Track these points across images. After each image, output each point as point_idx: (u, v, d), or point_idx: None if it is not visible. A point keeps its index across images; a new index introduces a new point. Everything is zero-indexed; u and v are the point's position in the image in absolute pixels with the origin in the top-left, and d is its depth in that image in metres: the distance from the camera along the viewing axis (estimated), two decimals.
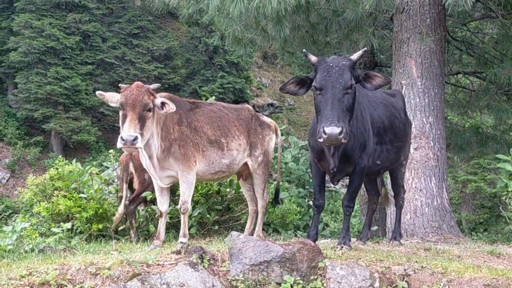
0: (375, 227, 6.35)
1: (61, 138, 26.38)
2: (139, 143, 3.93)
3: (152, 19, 29.71)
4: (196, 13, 8.18)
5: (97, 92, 4.31)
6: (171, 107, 4.22)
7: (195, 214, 5.58)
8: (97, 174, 6.08)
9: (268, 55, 34.58)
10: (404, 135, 5.01)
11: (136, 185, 5.56)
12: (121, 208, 5.36)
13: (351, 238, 4.84)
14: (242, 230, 5.63)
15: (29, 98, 25.30)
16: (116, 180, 7.17)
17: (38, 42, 25.23)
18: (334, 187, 6.72)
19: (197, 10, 7.89)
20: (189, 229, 5.19)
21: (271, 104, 32.21)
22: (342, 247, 4.30)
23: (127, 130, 3.92)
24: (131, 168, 5.54)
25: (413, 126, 6.64)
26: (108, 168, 7.74)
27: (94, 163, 21.58)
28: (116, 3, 30.30)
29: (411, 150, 6.53)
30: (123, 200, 5.42)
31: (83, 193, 5.75)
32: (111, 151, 7.60)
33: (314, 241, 4.39)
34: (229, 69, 29.56)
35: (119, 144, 3.93)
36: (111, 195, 6.34)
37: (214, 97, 7.17)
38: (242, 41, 7.68)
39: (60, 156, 6.38)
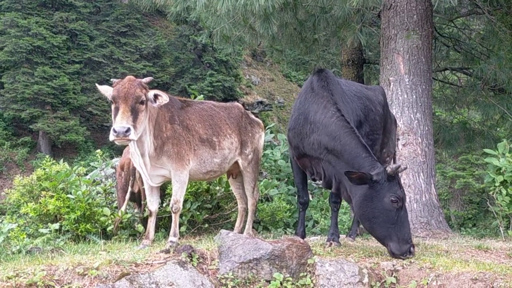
0: None
1: (49, 138, 26.16)
2: (132, 135, 3.88)
3: (140, 17, 29.56)
4: (184, 11, 8.14)
5: (96, 85, 4.30)
6: (164, 98, 4.20)
7: (186, 212, 5.56)
8: (83, 179, 6.00)
9: (257, 53, 34.57)
10: (381, 129, 5.02)
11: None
12: (122, 211, 5.32)
13: (341, 235, 4.86)
14: (232, 228, 5.62)
15: (16, 98, 25.06)
16: (104, 180, 7.13)
17: (24, 41, 24.99)
18: (316, 183, 6.73)
19: (185, 8, 7.85)
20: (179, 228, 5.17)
21: (261, 102, 32.22)
22: (331, 243, 4.32)
23: (120, 121, 3.89)
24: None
25: (400, 122, 6.67)
26: (96, 168, 7.68)
27: (83, 163, 21.43)
28: (103, 1, 30.11)
29: (399, 146, 6.56)
30: (124, 204, 5.38)
31: (70, 193, 5.70)
32: (98, 151, 7.53)
33: (303, 238, 4.40)
34: (218, 67, 29.52)
35: (112, 137, 3.88)
36: (99, 195, 6.29)
37: (202, 96, 7.14)
38: (230, 39, 7.65)
39: (48, 156, 6.32)
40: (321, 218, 7.15)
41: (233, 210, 6.02)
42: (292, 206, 6.53)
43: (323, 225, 7.09)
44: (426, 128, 6.74)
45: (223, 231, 3.94)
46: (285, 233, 5.89)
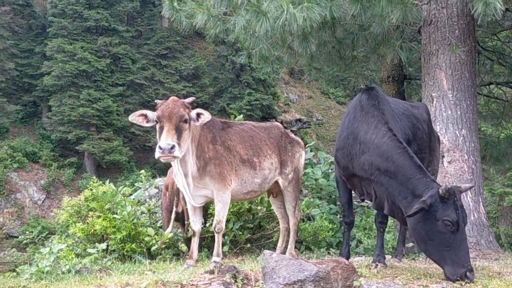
0: (410, 244, 6.21)
1: (94, 159, 26.97)
2: (177, 152, 3.98)
3: (179, 40, 30.29)
4: (223, 33, 8.30)
5: (129, 118, 4.42)
6: (206, 116, 4.29)
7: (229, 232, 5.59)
8: (128, 199, 6.15)
9: (294, 70, 34.67)
10: (428, 147, 4.91)
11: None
12: (168, 231, 5.42)
13: (386, 255, 4.75)
14: (274, 248, 5.60)
15: (63, 120, 26.03)
16: (148, 200, 7.28)
17: (70, 65, 26.02)
18: (366, 202, 6.62)
19: (224, 30, 8.00)
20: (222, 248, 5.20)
21: (299, 120, 32.16)
22: (377, 265, 4.22)
23: (165, 139, 3.99)
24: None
25: (445, 139, 6.51)
26: (140, 188, 7.85)
27: (127, 182, 21.94)
28: (144, 25, 31.06)
29: (445, 164, 6.39)
30: (170, 224, 5.49)
31: (116, 213, 5.85)
32: (142, 171, 7.73)
33: (347, 259, 4.33)
34: (256, 86, 29.74)
35: (157, 154, 3.98)
36: (143, 215, 6.42)
37: (242, 116, 7.21)
38: (269, 59, 7.72)
39: (95, 178, 6.52)
40: (364, 237, 7.02)
41: (275, 229, 6.00)
42: (335, 226, 6.44)
43: (366, 245, 6.95)
44: (472, 145, 6.55)
45: (266, 251, 3.93)
46: (328, 253, 5.81)
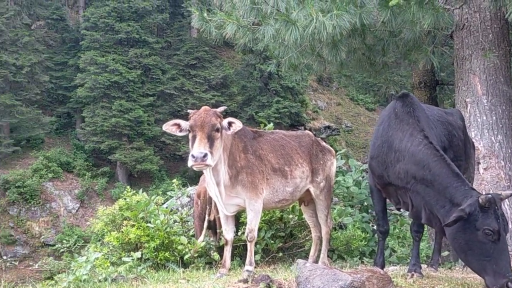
0: (446, 253, 6.07)
1: (126, 168, 27.45)
2: (209, 160, 4.03)
3: (208, 50, 30.62)
4: (252, 42, 8.36)
5: (163, 128, 4.51)
6: (237, 124, 4.34)
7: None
8: (161, 208, 6.23)
9: (323, 77, 34.54)
10: (463, 155, 4.81)
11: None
12: (200, 239, 5.47)
13: (421, 265, 4.66)
14: (306, 257, 5.57)
15: (96, 131, 26.64)
16: (180, 209, 7.36)
17: (102, 77, 26.64)
18: (401, 212, 6.52)
19: (253, 39, 8.06)
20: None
21: (328, 127, 31.97)
22: (413, 274, 4.15)
23: (197, 147, 4.05)
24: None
25: (480, 145, 6.36)
26: (172, 197, 7.95)
27: (158, 191, 22.23)
28: (174, 36, 31.55)
29: (480, 171, 6.24)
30: (203, 232, 5.54)
31: (150, 222, 5.93)
32: (174, 180, 7.83)
33: (382, 268, 4.27)
34: (285, 94, 29.76)
35: (190, 162, 4.04)
36: (176, 223, 6.49)
37: (272, 125, 7.23)
38: (298, 67, 7.73)
39: (129, 187, 6.63)
40: (398, 246, 6.90)
41: (307, 238, 5.98)
42: (367, 234, 6.36)
43: (400, 254, 6.83)
44: (509, 151, 6.37)
45: (299, 261, 3.91)
46: (362, 262, 5.74)
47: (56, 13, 30.76)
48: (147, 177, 28.16)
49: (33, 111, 26.75)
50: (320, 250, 5.34)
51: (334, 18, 5.95)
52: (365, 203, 7.11)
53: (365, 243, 6.26)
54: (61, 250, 8.09)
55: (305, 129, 28.97)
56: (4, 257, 22.48)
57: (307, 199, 5.28)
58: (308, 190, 5.09)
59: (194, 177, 26.16)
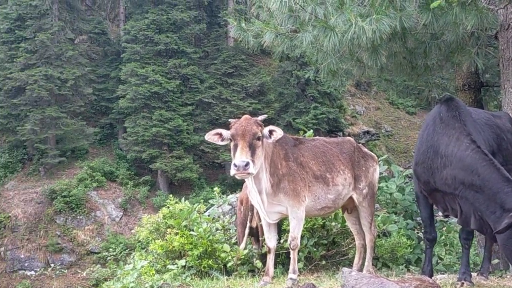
0: (496, 260, 5.85)
1: (166, 177, 27.91)
2: (251, 169, 4.07)
3: (245, 58, 30.84)
4: (289, 49, 8.36)
5: (205, 137, 4.57)
6: (278, 133, 4.36)
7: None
8: (204, 216, 6.31)
9: (361, 82, 34.11)
10: None
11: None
12: (242, 246, 5.51)
13: (471, 273, 4.51)
14: (350, 265, 5.50)
15: (137, 141, 27.24)
16: (221, 216, 7.41)
17: (143, 88, 27.26)
18: (448, 219, 6.35)
19: (291, 47, 8.06)
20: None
21: (367, 132, 31.50)
22: (463, 283, 4.03)
23: (239, 156, 4.10)
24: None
25: None
26: (213, 205, 8.02)
27: (199, 199, 22.47)
28: (211, 46, 31.97)
29: None
30: (244, 239, 5.57)
31: (193, 230, 6.01)
32: (215, 188, 7.91)
33: (430, 277, 4.16)
34: (322, 100, 29.56)
35: (232, 171, 4.09)
36: (218, 231, 6.55)
37: (312, 132, 7.20)
38: (337, 72, 7.68)
39: (171, 196, 6.75)
40: (445, 254, 6.70)
41: (350, 246, 5.90)
42: (413, 242, 6.22)
43: (447, 262, 6.63)
44: None
45: (345, 269, 3.87)
46: (408, 270, 5.61)
47: (98, 27, 31.77)
48: (187, 185, 28.54)
49: (77, 122, 27.66)
50: (364, 258, 5.26)
51: (373, 22, 5.88)
52: (409, 210, 6.96)
53: (411, 250, 6.11)
54: (108, 258, 8.30)
55: (343, 134, 28.67)
56: (52, 265, 23.25)
57: (350, 206, 5.22)
58: (351, 197, 5.04)
59: (233, 185, 26.32)
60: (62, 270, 21.39)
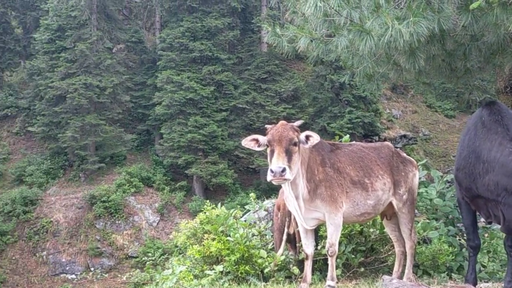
0: None
1: (202, 182, 28.20)
2: (288, 175, 4.06)
3: (278, 63, 30.87)
4: (324, 54, 8.31)
5: (242, 143, 4.59)
6: (315, 138, 4.34)
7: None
8: (240, 221, 6.33)
9: (397, 85, 33.54)
10: None
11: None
12: (280, 252, 5.50)
13: None
14: (389, 272, 5.40)
15: (173, 146, 27.65)
16: (258, 222, 7.42)
17: (178, 95, 27.68)
18: (491, 225, 6.13)
19: (325, 51, 8.01)
20: None
21: (404, 136, 30.90)
22: None
23: (276, 162, 4.10)
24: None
25: None
26: (249, 211, 8.04)
27: (234, 204, 22.58)
28: (245, 52, 32.17)
29: None
30: (282, 245, 5.57)
31: (229, 236, 6.04)
32: (251, 194, 7.93)
33: (474, 285, 4.04)
34: (357, 104, 29.22)
35: (269, 177, 4.10)
36: (254, 237, 6.56)
37: (348, 136, 7.12)
38: (374, 76, 7.57)
39: (208, 202, 6.81)
40: (489, 261, 6.48)
41: (389, 253, 5.80)
42: (455, 249, 6.04)
43: (491, 269, 6.40)
44: None
45: (385, 277, 3.80)
46: (450, 278, 5.46)
47: (135, 36, 32.51)
48: (222, 190, 28.74)
49: (115, 129, 28.35)
50: (404, 266, 5.16)
51: (410, 25, 5.77)
52: (450, 216, 6.76)
53: (453, 258, 5.94)
54: (147, 262, 8.44)
55: (379, 138, 28.23)
56: (92, 269, 23.87)
57: (389, 212, 5.13)
58: (390, 203, 4.95)
59: (267, 190, 26.31)
60: (102, 274, 21.91)
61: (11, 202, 25.79)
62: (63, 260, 24.57)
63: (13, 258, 24.62)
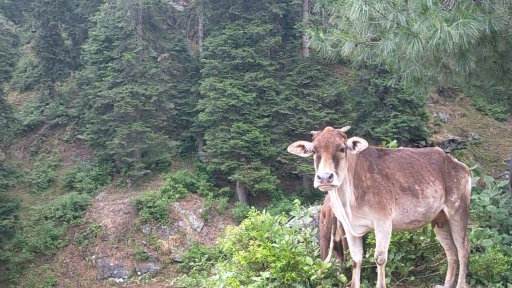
0: None
1: (244, 188, 28.34)
2: (335, 181, 4.01)
3: (320, 68, 30.70)
4: (369, 58, 8.20)
5: (288, 149, 4.58)
6: (363, 144, 4.27)
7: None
8: (285, 228, 6.31)
9: (444, 88, 32.59)
10: None
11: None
12: (327, 260, 5.45)
13: None
14: (441, 281, 5.23)
15: (216, 153, 27.97)
16: (303, 228, 7.37)
17: (221, 101, 28.00)
18: None
19: (371, 55, 7.90)
20: None
21: (453, 140, 29.96)
22: None
23: (323, 168, 4.06)
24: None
25: None
26: (294, 217, 8.00)
27: (277, 210, 22.55)
28: (286, 58, 32.19)
29: None
30: (329, 253, 5.51)
31: (275, 242, 6.02)
32: (296, 200, 7.88)
33: None
34: (403, 108, 28.58)
35: (316, 183, 4.06)
36: (300, 244, 6.51)
37: (396, 142, 6.97)
38: (421, 80, 7.40)
39: (252, 207, 6.83)
40: None
41: (440, 261, 5.61)
42: (511, 258, 5.77)
43: None
44: None
45: (438, 286, 3.69)
46: None
47: (179, 45, 33.20)
48: (265, 196, 28.77)
49: (160, 136, 28.99)
50: (457, 275, 4.98)
51: (460, 27, 5.61)
52: (505, 223, 6.49)
53: (508, 267, 5.68)
54: (194, 267, 8.56)
55: (426, 143, 27.49)
56: (139, 273, 24.42)
57: (440, 220, 4.97)
58: (441, 211, 4.80)
59: (311, 196, 26.13)
60: (150, 278, 22.36)
61: (62, 208, 26.81)
62: (111, 264, 25.26)
63: (64, 261, 25.54)
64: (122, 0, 29.84)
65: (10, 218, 24.72)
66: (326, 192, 5.21)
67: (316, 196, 24.81)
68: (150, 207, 26.31)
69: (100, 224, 26.39)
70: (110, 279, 24.87)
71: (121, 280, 24.70)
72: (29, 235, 25.82)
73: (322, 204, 6.68)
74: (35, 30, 35.94)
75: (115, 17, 29.89)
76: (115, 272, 25.10)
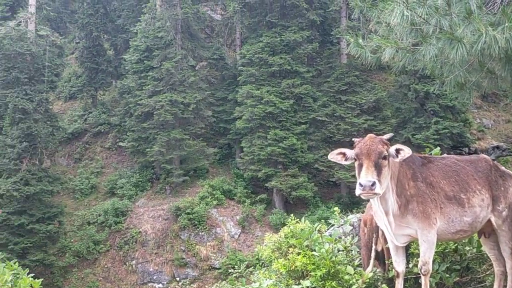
0: None
1: (281, 195, 28.27)
2: (378, 189, 3.96)
3: (358, 74, 30.37)
4: (410, 63, 8.06)
5: (328, 157, 4.54)
6: (406, 151, 4.19)
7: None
8: (325, 236, 6.25)
9: (488, 94, 31.59)
10: None
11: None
12: (368, 270, 5.37)
13: None
14: None
15: (253, 160, 28.04)
16: (343, 237, 7.28)
17: (258, 109, 28.10)
18: None
19: (412, 61, 7.77)
20: None
21: (497, 147, 28.96)
22: None
23: (365, 176, 4.01)
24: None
25: None
26: (333, 225, 7.91)
27: (314, 218, 22.37)
28: (323, 64, 32.03)
29: None
30: (371, 262, 5.44)
31: (314, 250, 5.97)
32: (335, 208, 7.80)
33: None
34: (444, 114, 27.86)
35: (358, 191, 4.02)
36: (340, 252, 6.43)
37: (439, 149, 6.80)
38: (465, 85, 7.21)
39: (291, 215, 6.80)
40: None
41: (487, 273, 5.43)
42: None
43: None
44: None
45: None
46: None
47: (217, 53, 33.59)
48: (302, 204, 28.60)
49: (198, 143, 29.35)
50: (504, 286, 4.79)
51: (506, 31, 5.46)
52: None
53: None
54: (233, 274, 8.61)
55: (469, 150, 26.69)
56: (178, 279, 24.72)
57: (487, 230, 4.81)
58: (488, 221, 4.64)
59: (349, 204, 25.80)
60: (189, 284, 22.60)
61: (103, 213, 27.52)
62: (151, 269, 25.68)
63: (105, 266, 26.16)
64: (162, 11, 30.55)
65: (54, 223, 25.57)
66: (366, 200, 5.14)
67: (354, 204, 24.44)
68: (188, 213, 26.63)
69: (140, 229, 26.90)
70: (150, 284, 25.28)
71: (160, 285, 25.07)
72: (72, 240, 26.61)
73: (362, 212, 6.60)
74: (79, 41, 37.25)
75: (155, 27, 30.57)
76: (154, 277, 25.49)
